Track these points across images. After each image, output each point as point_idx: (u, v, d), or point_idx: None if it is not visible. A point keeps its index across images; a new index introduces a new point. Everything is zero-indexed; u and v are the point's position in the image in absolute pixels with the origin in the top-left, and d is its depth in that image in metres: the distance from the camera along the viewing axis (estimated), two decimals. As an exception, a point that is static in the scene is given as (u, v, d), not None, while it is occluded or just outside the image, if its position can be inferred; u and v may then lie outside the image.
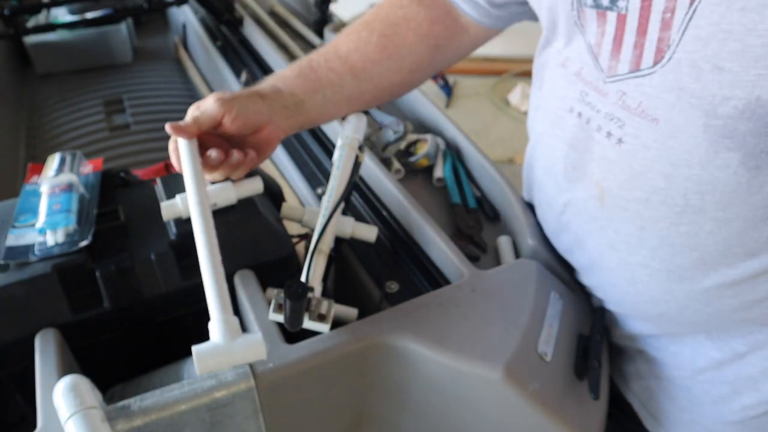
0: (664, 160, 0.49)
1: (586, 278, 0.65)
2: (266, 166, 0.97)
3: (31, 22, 1.50)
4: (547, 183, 0.63)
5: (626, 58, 0.49)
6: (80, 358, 0.60)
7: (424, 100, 0.94)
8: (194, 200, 0.54)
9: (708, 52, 0.43)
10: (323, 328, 0.54)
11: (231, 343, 0.47)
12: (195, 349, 0.47)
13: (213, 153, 0.57)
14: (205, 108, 0.58)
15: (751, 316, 0.54)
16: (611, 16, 0.49)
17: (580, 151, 0.55)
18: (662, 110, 0.47)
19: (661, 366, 0.64)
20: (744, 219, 0.48)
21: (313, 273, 0.57)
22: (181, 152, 0.57)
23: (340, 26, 1.22)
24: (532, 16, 0.63)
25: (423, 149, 0.84)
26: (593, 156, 0.54)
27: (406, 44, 0.68)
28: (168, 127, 0.56)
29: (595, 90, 0.52)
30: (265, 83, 0.65)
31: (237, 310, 0.63)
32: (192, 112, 0.59)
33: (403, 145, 0.86)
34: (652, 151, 0.49)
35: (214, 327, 0.48)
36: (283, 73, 0.66)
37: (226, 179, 0.62)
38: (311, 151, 0.90)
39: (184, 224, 0.62)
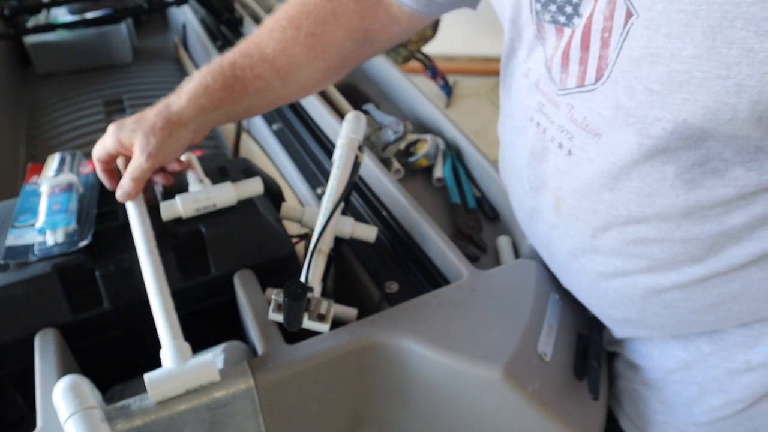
0: (606, 173, 0.50)
1: (562, 282, 0.66)
2: (266, 166, 0.97)
3: (31, 22, 1.50)
4: (517, 189, 0.64)
5: (573, 73, 0.50)
6: (80, 358, 0.60)
7: (424, 100, 0.94)
8: (139, 234, 0.57)
9: (640, 74, 0.44)
10: (323, 328, 0.54)
11: (183, 367, 0.49)
12: (147, 376, 0.48)
13: (159, 186, 0.64)
14: (136, 168, 0.59)
15: (708, 319, 0.55)
16: (567, 32, 0.50)
17: (539, 159, 0.56)
18: (603, 126, 0.48)
19: (634, 368, 0.65)
20: (684, 229, 0.49)
21: (313, 273, 0.57)
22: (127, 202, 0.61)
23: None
24: (471, 3, 0.64)
25: (423, 149, 0.84)
26: (549, 165, 0.55)
27: (333, 42, 0.67)
28: (122, 197, 0.60)
29: (550, 101, 0.53)
30: (186, 98, 0.63)
31: (237, 310, 0.63)
32: (129, 175, 0.60)
33: (403, 145, 0.86)
34: (595, 164, 0.50)
35: (165, 353, 0.49)
36: (205, 83, 0.64)
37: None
38: (311, 151, 0.90)
39: (184, 224, 0.62)
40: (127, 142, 0.60)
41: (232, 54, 0.66)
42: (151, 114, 0.62)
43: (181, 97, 0.63)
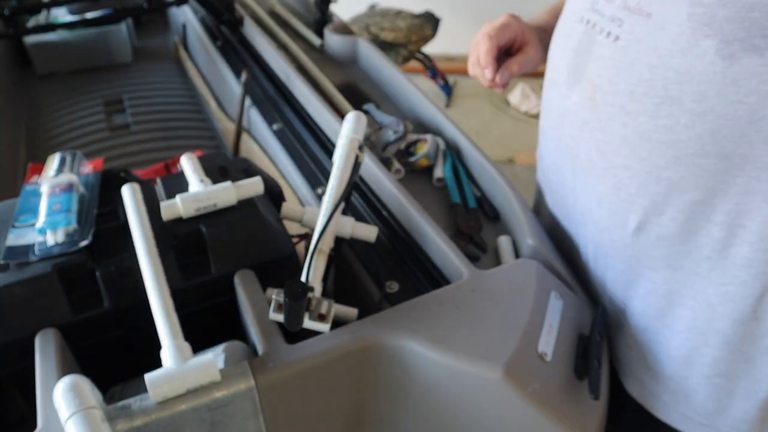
0: (651, 51, 0.54)
1: (578, 226, 0.69)
2: (266, 166, 0.97)
3: (31, 22, 1.50)
4: (552, 96, 0.69)
5: None
6: (80, 358, 0.60)
7: (424, 100, 0.94)
8: (139, 234, 0.58)
9: None
10: (323, 328, 0.54)
11: (183, 367, 0.49)
12: (147, 376, 0.48)
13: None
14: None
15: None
16: None
17: (581, 54, 0.62)
18: (656, 5, 0.53)
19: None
20: (717, 113, 0.51)
21: (313, 273, 0.57)
22: (126, 197, 0.62)
23: (340, 26, 1.22)
24: None
25: (423, 149, 0.84)
26: (592, 56, 0.60)
27: None
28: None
29: None
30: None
31: (237, 310, 0.63)
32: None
33: (403, 145, 0.86)
34: (642, 43, 0.55)
35: (166, 353, 0.49)
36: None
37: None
38: (311, 151, 0.90)
39: (184, 224, 0.62)
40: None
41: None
42: None
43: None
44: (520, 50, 0.76)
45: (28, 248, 0.59)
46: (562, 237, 0.75)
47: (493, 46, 0.74)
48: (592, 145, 0.62)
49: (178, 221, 0.62)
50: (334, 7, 1.34)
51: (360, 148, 0.67)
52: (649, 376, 0.67)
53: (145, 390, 0.48)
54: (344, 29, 1.21)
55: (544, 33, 0.77)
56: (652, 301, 0.64)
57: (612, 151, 0.60)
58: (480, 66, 0.75)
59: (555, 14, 0.77)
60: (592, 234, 0.68)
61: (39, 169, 0.71)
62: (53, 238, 0.60)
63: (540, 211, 0.82)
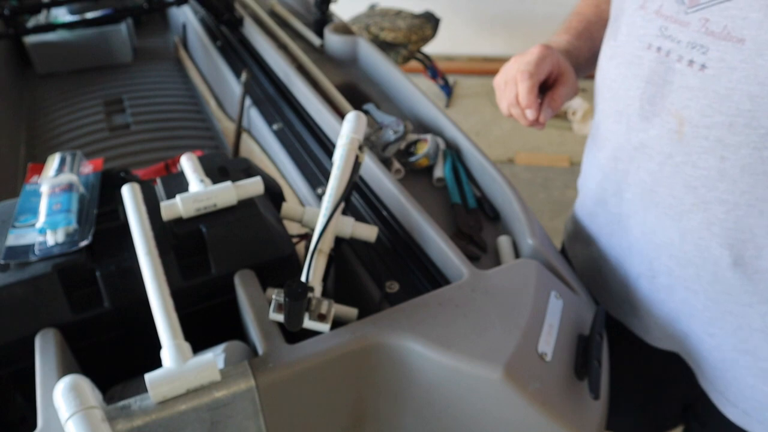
0: (750, 79, 0.50)
1: (645, 260, 0.65)
2: (266, 166, 0.97)
3: (31, 22, 1.50)
4: (617, 129, 0.64)
5: None
6: (80, 358, 0.60)
7: (424, 100, 0.94)
8: (139, 234, 0.58)
9: None
10: (323, 328, 0.54)
11: (183, 367, 0.49)
12: (147, 376, 0.48)
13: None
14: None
15: None
16: None
17: (658, 84, 0.57)
18: (749, 30, 0.49)
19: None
20: None
21: (313, 273, 0.57)
22: (126, 198, 0.62)
23: (340, 26, 1.22)
24: None
25: (423, 149, 0.84)
26: (673, 87, 0.56)
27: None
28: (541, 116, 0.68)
29: (675, 23, 0.54)
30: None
31: (237, 310, 0.63)
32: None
33: (403, 145, 0.86)
34: (738, 72, 0.50)
35: (166, 353, 0.49)
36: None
37: None
38: (311, 151, 0.90)
39: (184, 224, 0.62)
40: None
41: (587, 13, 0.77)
42: None
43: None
44: (558, 81, 0.69)
45: (28, 248, 0.59)
46: (613, 270, 0.72)
47: (534, 84, 0.66)
48: (678, 180, 0.58)
49: (178, 221, 0.62)
50: (334, 7, 1.34)
51: (360, 148, 0.67)
52: (750, 405, 0.65)
53: (145, 390, 0.48)
54: (344, 29, 1.21)
55: (569, 55, 0.72)
56: (743, 335, 0.61)
57: (705, 185, 0.56)
58: (520, 106, 0.68)
59: (577, 34, 0.73)
60: (667, 268, 0.65)
61: (39, 169, 0.71)
62: (53, 238, 0.60)
63: (577, 239, 0.80)
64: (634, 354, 0.76)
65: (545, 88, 0.69)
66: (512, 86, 0.67)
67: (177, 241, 0.61)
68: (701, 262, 0.60)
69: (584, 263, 0.79)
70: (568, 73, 0.69)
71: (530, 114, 0.67)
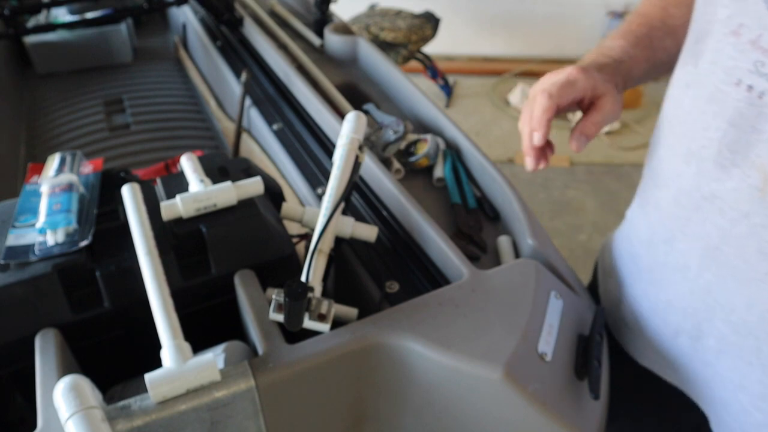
0: None
1: (677, 309, 0.60)
2: (266, 166, 0.97)
3: (31, 22, 1.50)
4: (686, 171, 0.55)
5: None
6: (80, 358, 0.60)
7: (424, 100, 0.94)
8: (139, 234, 0.58)
9: None
10: (323, 328, 0.54)
11: (183, 367, 0.49)
12: (147, 376, 0.48)
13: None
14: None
15: None
16: None
17: (744, 130, 0.48)
18: None
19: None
20: None
21: (313, 273, 0.57)
22: (126, 198, 0.61)
23: (341, 26, 1.22)
24: None
25: (423, 149, 0.84)
26: (762, 136, 0.47)
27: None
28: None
29: None
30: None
31: (237, 310, 0.63)
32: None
33: (403, 145, 0.86)
34: None
35: (166, 353, 0.49)
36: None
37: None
38: (311, 151, 0.90)
39: (184, 224, 0.62)
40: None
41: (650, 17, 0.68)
42: None
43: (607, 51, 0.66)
44: (594, 106, 0.61)
45: (28, 248, 0.59)
46: (646, 321, 0.68)
47: (551, 106, 0.59)
48: (752, 243, 0.50)
49: (178, 221, 0.62)
50: (334, 7, 1.34)
51: (360, 148, 0.67)
52: None
53: (145, 390, 0.48)
54: (344, 29, 1.21)
55: (622, 65, 0.63)
56: None
57: None
58: (529, 125, 0.61)
59: (635, 40, 0.65)
60: (719, 333, 0.59)
61: (39, 169, 0.71)
62: (53, 238, 0.60)
63: (611, 276, 0.75)
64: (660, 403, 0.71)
65: (581, 110, 0.63)
66: (531, 103, 0.62)
67: (177, 241, 0.61)
68: (766, 337, 0.53)
69: (615, 304, 0.74)
70: (606, 98, 0.60)
71: (536, 137, 0.61)
